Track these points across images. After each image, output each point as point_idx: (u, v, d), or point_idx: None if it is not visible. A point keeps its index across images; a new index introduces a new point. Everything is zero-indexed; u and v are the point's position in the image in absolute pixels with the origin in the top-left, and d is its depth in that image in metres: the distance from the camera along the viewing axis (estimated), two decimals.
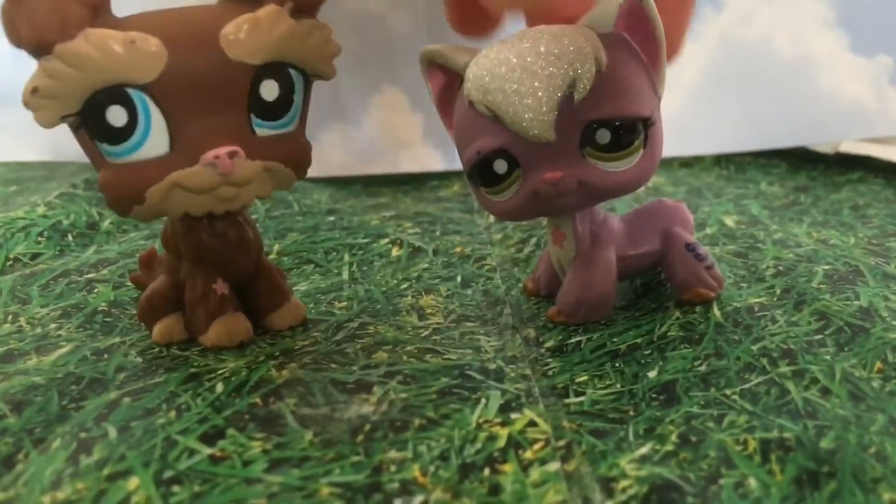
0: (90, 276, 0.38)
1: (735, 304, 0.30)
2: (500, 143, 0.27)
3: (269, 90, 0.27)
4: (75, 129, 0.27)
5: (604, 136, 0.26)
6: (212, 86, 0.26)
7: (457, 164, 0.61)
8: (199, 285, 0.30)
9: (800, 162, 0.59)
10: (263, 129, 0.28)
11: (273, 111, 0.28)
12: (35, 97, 0.25)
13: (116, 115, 0.26)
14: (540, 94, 0.26)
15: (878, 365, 0.26)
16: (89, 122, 0.26)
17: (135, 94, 0.26)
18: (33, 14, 0.25)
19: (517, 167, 0.27)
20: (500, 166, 0.28)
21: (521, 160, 0.27)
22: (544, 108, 0.26)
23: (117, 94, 0.26)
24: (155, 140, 0.26)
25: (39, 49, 0.25)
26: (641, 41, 0.27)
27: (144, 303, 0.31)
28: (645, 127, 0.27)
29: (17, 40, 0.25)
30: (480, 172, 0.28)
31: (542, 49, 0.26)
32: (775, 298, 0.31)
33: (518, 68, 0.26)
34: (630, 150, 0.27)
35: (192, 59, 0.26)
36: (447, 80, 0.29)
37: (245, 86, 0.27)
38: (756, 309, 0.30)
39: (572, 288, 0.30)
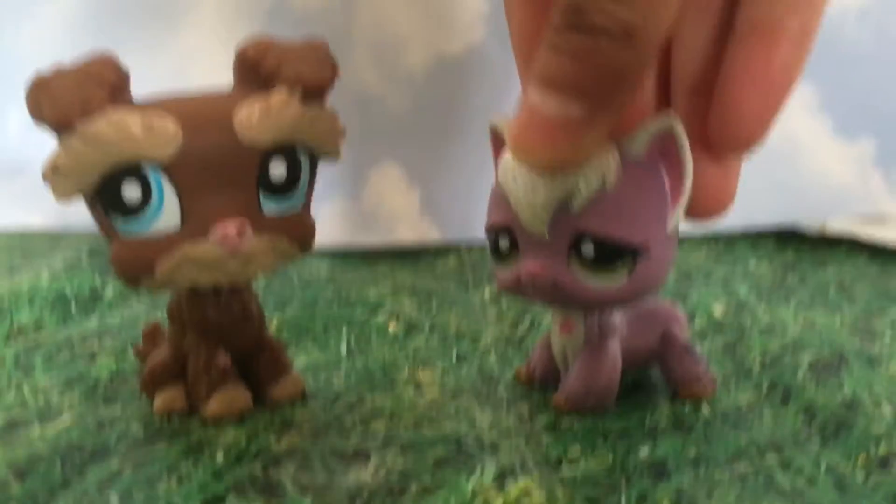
0: (92, 346, 0.38)
1: (723, 404, 0.31)
2: (507, 223, 0.28)
3: (278, 170, 0.28)
4: (89, 203, 0.28)
5: (588, 250, 0.27)
6: (223, 166, 0.27)
7: (453, 237, 0.62)
8: (202, 357, 0.31)
9: (787, 238, 0.60)
10: (270, 207, 0.29)
11: (280, 190, 0.29)
12: (55, 175, 0.27)
13: (131, 191, 0.27)
14: (541, 194, 0.27)
15: (862, 459, 0.27)
16: (104, 197, 0.27)
17: (150, 172, 0.27)
18: (57, 95, 0.26)
19: (517, 248, 0.29)
20: (504, 243, 0.29)
21: (520, 244, 0.28)
22: (540, 209, 0.27)
23: (133, 171, 0.27)
24: (167, 215, 0.27)
25: (61, 128, 0.26)
26: (669, 172, 0.27)
27: (147, 375, 0.32)
28: (634, 255, 0.27)
29: (39, 118, 0.27)
30: (491, 243, 0.30)
31: None
32: (762, 396, 0.32)
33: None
34: (611, 271, 0.27)
35: (205, 140, 0.27)
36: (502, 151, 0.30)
37: (255, 166, 0.28)
38: (744, 408, 0.31)
39: (581, 377, 0.31)
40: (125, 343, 0.38)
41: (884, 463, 0.26)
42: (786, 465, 0.26)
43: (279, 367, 0.32)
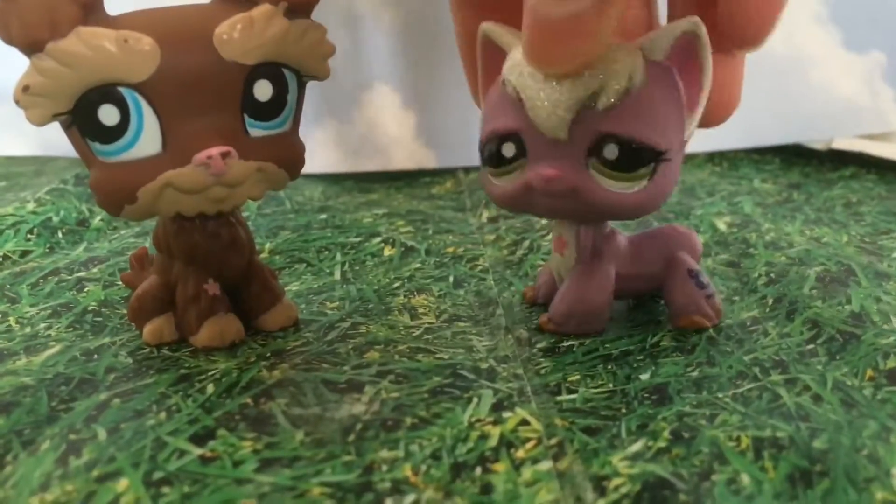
0: (80, 274, 0.37)
1: (728, 320, 0.30)
2: (515, 127, 0.27)
3: (263, 90, 0.27)
4: (66, 128, 0.27)
5: (612, 151, 0.26)
6: (205, 85, 0.26)
7: (449, 162, 0.61)
8: (191, 286, 0.30)
9: (793, 157, 0.59)
10: (256, 130, 0.27)
11: (266, 111, 0.27)
12: (26, 95, 0.25)
13: (108, 114, 0.25)
14: (564, 92, 0.26)
15: (870, 373, 0.26)
16: (81, 120, 0.26)
17: (127, 93, 0.25)
18: (25, 12, 0.24)
19: (524, 156, 0.27)
20: (509, 150, 0.27)
21: (529, 150, 0.27)
22: (562, 107, 0.26)
23: (109, 92, 0.25)
24: (147, 139, 0.26)
25: (31, 47, 0.25)
26: (687, 79, 0.26)
27: (135, 303, 0.31)
28: (656, 160, 0.26)
29: (7, 38, 0.25)
30: (490, 152, 0.28)
31: None
32: (767, 310, 0.31)
33: None
34: (633, 176, 0.26)
35: (185, 58, 0.26)
36: (495, 59, 0.29)
37: (238, 86, 0.27)
38: (748, 323, 0.30)
39: (566, 298, 0.30)
40: (114, 271, 0.38)
41: (892, 377, 0.26)
42: (791, 384, 0.26)
43: (270, 295, 0.31)
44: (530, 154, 0.27)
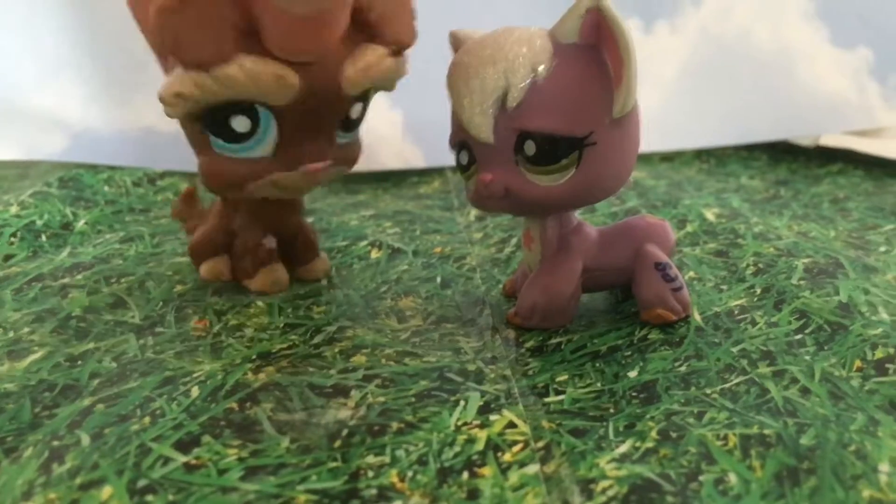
0: (64, 280, 0.37)
1: (715, 308, 0.30)
2: (462, 136, 0.28)
3: (357, 110, 0.32)
4: (188, 120, 0.30)
5: (530, 147, 0.26)
6: (322, 111, 0.30)
7: (436, 161, 0.61)
8: (252, 238, 0.35)
9: (780, 154, 0.59)
10: (342, 139, 0.32)
11: (353, 125, 0.32)
12: (177, 99, 0.28)
13: (241, 123, 0.29)
14: (474, 96, 0.26)
15: (858, 363, 0.26)
16: (211, 120, 0.30)
17: (262, 111, 0.29)
18: (195, 39, 0.27)
19: (476, 161, 0.28)
20: (464, 157, 0.28)
21: (476, 156, 0.28)
22: (476, 111, 0.26)
23: (248, 108, 0.29)
24: (265, 146, 0.30)
25: (197, 68, 0.28)
26: (610, 54, 0.26)
27: (196, 244, 0.36)
28: (580, 147, 0.26)
29: (176, 55, 0.28)
30: (455, 159, 0.29)
31: (486, 53, 0.26)
32: (755, 299, 0.31)
33: (464, 67, 0.26)
34: (556, 168, 0.26)
35: (315, 91, 0.29)
36: None
37: (345, 111, 0.31)
38: (736, 312, 0.30)
39: (530, 292, 0.30)
40: (98, 279, 0.37)
41: (880, 367, 0.26)
42: (779, 376, 0.26)
43: (312, 250, 0.36)
44: (477, 159, 0.28)
